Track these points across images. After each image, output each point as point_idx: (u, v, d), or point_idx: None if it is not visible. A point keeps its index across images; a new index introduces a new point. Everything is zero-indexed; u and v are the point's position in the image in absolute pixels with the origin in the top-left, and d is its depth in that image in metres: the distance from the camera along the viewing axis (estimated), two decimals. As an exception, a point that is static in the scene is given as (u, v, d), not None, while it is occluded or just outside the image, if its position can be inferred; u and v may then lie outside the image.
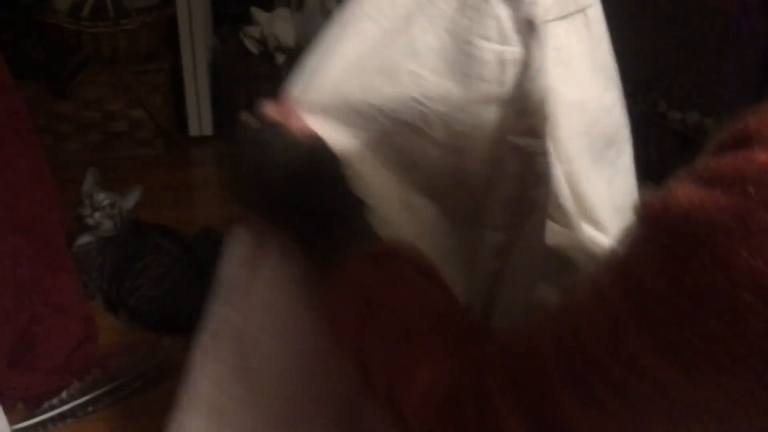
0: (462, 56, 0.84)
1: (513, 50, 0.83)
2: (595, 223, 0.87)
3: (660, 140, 1.85)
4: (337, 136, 0.82)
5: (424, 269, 0.64)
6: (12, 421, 1.25)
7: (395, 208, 0.84)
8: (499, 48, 0.84)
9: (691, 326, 0.38)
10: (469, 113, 0.84)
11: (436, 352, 0.55)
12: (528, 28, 0.84)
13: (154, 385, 1.34)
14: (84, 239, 1.57)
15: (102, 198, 1.54)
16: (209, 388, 0.83)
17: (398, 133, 0.83)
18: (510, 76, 0.84)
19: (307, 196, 0.70)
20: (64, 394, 1.30)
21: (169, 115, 2.32)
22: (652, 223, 0.40)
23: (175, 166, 2.26)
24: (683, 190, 0.39)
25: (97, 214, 1.54)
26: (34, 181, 1.31)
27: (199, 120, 2.37)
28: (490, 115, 0.84)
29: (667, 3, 1.97)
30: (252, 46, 2.29)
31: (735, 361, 0.37)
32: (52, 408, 1.28)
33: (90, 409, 1.30)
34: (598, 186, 0.87)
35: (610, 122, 0.91)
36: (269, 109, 0.75)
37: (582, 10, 0.84)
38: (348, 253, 0.64)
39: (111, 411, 1.31)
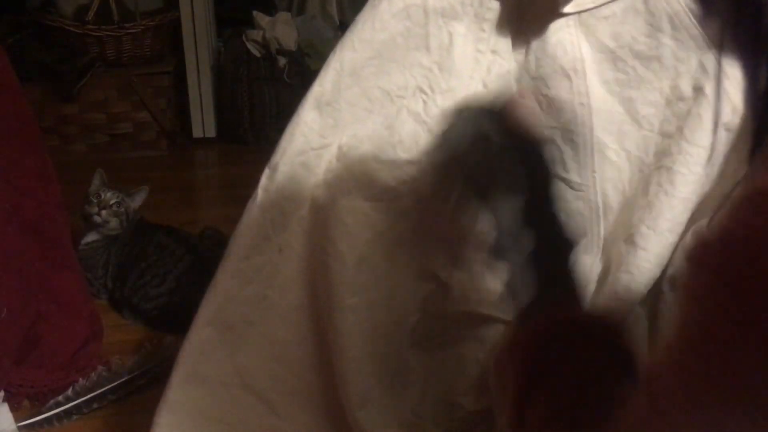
0: (470, 61, 0.88)
1: (510, 67, 0.88)
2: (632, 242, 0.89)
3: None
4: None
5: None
6: (18, 417, 1.27)
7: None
8: (506, 65, 0.88)
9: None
10: None
11: None
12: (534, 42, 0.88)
13: (158, 383, 1.36)
14: (90, 237, 1.58)
15: (109, 196, 1.56)
16: (197, 356, 0.86)
17: (398, 116, 0.88)
18: (504, 88, 0.89)
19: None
20: (69, 392, 1.31)
21: (172, 117, 2.34)
22: (711, 261, 0.40)
23: (178, 168, 2.28)
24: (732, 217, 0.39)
25: (104, 212, 1.55)
26: (40, 182, 1.33)
27: (202, 122, 2.39)
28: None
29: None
30: (254, 49, 2.31)
31: None
32: (58, 405, 1.29)
33: (95, 406, 1.31)
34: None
35: None
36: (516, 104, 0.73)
37: None
38: (543, 303, 0.60)
39: (116, 408, 1.32)
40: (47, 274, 1.34)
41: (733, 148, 0.87)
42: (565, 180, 0.91)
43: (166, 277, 1.52)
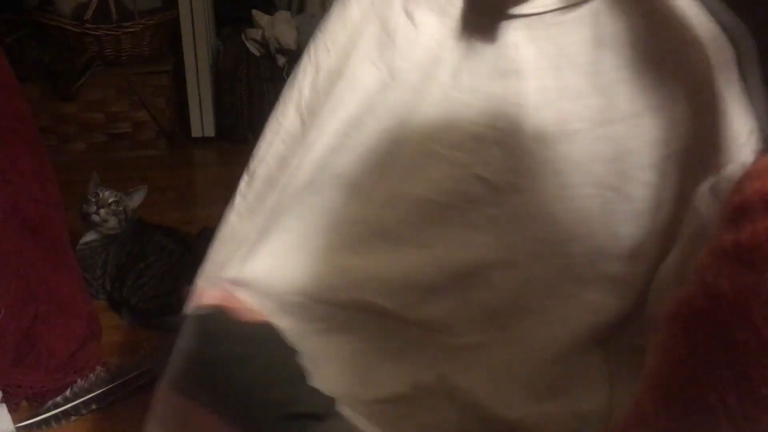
0: (431, 57, 0.87)
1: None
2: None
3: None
4: None
5: None
6: (16, 418, 1.26)
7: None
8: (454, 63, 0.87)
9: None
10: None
11: None
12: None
13: (156, 383, 1.35)
14: (88, 237, 1.58)
15: (107, 195, 1.56)
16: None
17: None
18: None
19: (260, 388, 0.62)
20: (67, 392, 1.31)
21: (171, 116, 2.33)
22: (680, 323, 0.38)
23: (177, 167, 2.27)
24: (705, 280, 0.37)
25: (102, 211, 1.55)
26: (38, 181, 1.32)
27: (201, 121, 2.38)
28: None
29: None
30: (253, 48, 2.30)
31: None
32: (56, 406, 1.29)
33: (93, 406, 1.30)
34: None
35: None
36: (210, 296, 0.70)
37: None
38: None
39: (114, 409, 1.32)
40: (45, 274, 1.33)
41: (677, 174, 0.85)
42: (482, 179, 0.89)
43: (164, 277, 1.51)
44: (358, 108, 0.85)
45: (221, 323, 0.66)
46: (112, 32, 2.15)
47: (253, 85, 2.30)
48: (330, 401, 0.63)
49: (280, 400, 0.61)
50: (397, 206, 0.87)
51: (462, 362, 0.85)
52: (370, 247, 0.87)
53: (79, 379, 1.33)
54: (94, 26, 2.13)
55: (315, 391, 0.63)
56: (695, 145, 0.83)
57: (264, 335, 0.67)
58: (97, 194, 1.56)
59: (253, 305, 0.77)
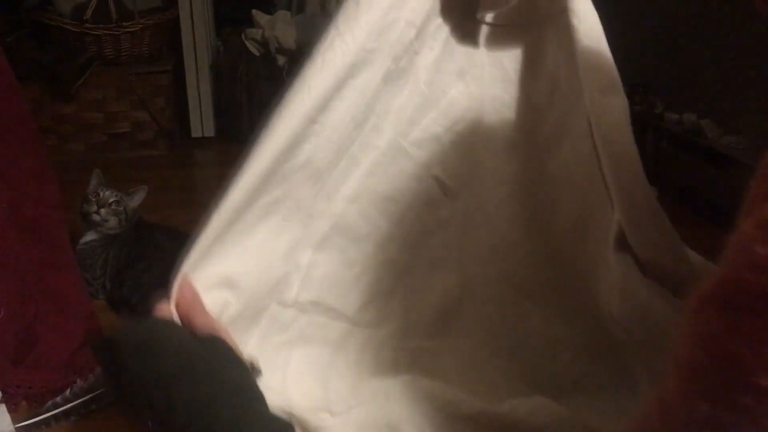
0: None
1: None
2: None
3: (657, 140, 1.87)
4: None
5: None
6: (16, 418, 1.26)
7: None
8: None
9: None
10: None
11: None
12: None
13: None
14: (88, 237, 1.58)
15: (108, 195, 1.56)
16: None
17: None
18: None
19: (205, 409, 0.56)
20: (67, 392, 1.30)
21: (171, 116, 2.33)
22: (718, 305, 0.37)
23: (176, 167, 2.27)
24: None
25: (102, 211, 1.55)
26: (37, 181, 1.32)
27: (201, 121, 2.39)
28: None
29: (666, 7, 1.98)
30: (253, 48, 2.30)
31: None
32: (56, 406, 1.28)
33: (93, 407, 1.30)
34: None
35: None
36: (164, 309, 0.67)
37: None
38: None
39: (114, 409, 1.31)
40: (45, 274, 1.33)
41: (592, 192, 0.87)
42: (439, 181, 0.89)
43: (164, 277, 1.51)
44: (327, 90, 0.79)
45: (165, 338, 0.61)
46: (112, 32, 2.15)
47: (252, 85, 2.30)
48: (285, 428, 0.58)
49: (227, 423, 0.55)
50: (361, 201, 0.86)
51: (421, 366, 0.85)
52: (329, 243, 0.86)
53: (79, 379, 1.32)
54: (94, 26, 2.13)
55: (267, 418, 0.58)
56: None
57: (215, 352, 0.61)
58: (98, 194, 1.56)
59: (223, 310, 0.74)
